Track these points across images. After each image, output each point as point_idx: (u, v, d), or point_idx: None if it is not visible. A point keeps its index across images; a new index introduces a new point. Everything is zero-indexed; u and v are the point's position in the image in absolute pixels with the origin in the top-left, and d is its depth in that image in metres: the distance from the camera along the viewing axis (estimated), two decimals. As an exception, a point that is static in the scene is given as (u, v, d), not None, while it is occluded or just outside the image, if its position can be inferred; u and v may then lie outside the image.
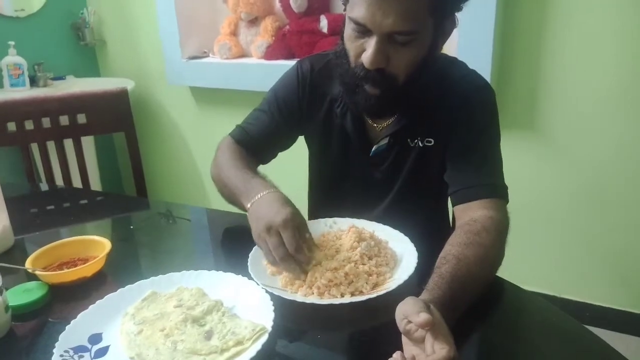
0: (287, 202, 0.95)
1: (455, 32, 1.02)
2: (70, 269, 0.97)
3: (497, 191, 1.00)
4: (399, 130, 1.09)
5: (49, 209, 1.44)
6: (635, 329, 2.06)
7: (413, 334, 0.67)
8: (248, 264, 0.93)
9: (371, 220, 1.07)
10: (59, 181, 1.81)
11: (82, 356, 0.75)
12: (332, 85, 1.14)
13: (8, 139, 1.72)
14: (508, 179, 1.04)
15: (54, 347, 0.74)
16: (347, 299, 0.84)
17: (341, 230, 1.03)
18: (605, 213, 1.98)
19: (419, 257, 0.92)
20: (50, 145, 1.75)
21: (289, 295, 0.86)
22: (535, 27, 1.87)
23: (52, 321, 0.86)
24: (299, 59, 1.22)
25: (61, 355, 0.73)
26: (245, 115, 1.25)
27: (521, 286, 0.91)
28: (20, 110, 1.71)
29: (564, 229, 2.07)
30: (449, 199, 1.07)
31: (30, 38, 2.59)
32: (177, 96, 2.77)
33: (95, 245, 1.03)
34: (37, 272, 0.95)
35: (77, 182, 1.83)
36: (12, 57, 2.43)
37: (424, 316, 0.64)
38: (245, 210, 1.01)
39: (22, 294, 0.90)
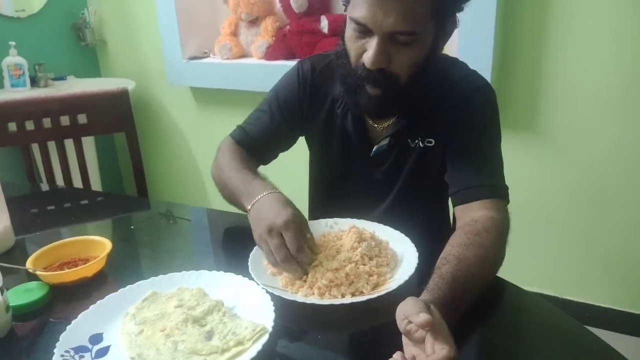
0: (287, 202, 0.95)
1: (455, 32, 1.02)
2: (71, 269, 0.97)
3: (497, 191, 1.00)
4: (400, 130, 1.09)
5: (50, 209, 1.44)
6: (636, 330, 2.05)
7: (413, 334, 0.67)
8: (249, 264, 0.93)
9: (372, 220, 1.07)
10: (60, 181, 1.81)
11: (82, 356, 0.75)
12: (333, 85, 1.14)
13: (9, 139, 1.72)
14: (508, 179, 1.04)
15: (54, 347, 0.74)
16: (348, 300, 0.84)
17: (342, 231, 1.03)
18: (606, 213, 1.98)
19: (419, 258, 0.92)
20: (51, 146, 1.75)
21: (289, 295, 0.86)
22: (535, 27, 1.87)
23: (53, 321, 0.86)
24: (299, 60, 1.22)
25: (62, 355, 0.73)
26: (245, 116, 1.25)
27: (521, 287, 0.91)
28: (21, 111, 1.71)
29: (564, 229, 2.07)
30: (450, 199, 1.07)
31: (31, 38, 2.59)
32: (177, 96, 2.77)
33: (96, 245, 1.04)
34: (37, 272, 0.95)
35: (77, 182, 1.83)
36: (13, 58, 2.43)
37: (424, 316, 0.64)
38: (246, 211, 1.01)
39: (23, 294, 0.90)
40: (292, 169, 1.49)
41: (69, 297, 0.92)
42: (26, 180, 1.77)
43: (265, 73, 2.24)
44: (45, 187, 1.84)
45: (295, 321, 0.84)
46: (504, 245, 0.93)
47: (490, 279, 0.89)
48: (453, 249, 0.86)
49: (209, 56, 2.57)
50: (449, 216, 1.28)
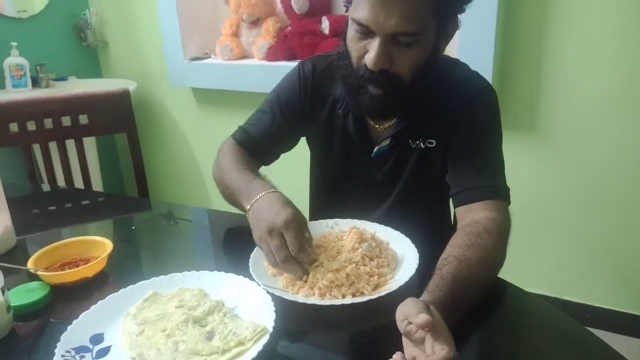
0: (287, 202, 0.95)
1: (457, 33, 1.02)
2: (72, 270, 0.97)
3: (498, 192, 1.00)
4: (401, 131, 1.09)
5: (51, 210, 1.44)
6: (636, 331, 2.05)
7: (413, 335, 0.67)
8: (249, 264, 0.93)
9: (373, 221, 1.07)
10: (61, 182, 1.82)
11: (83, 356, 0.75)
12: (334, 86, 1.14)
13: (10, 139, 1.72)
14: (509, 180, 1.04)
15: (55, 347, 0.74)
16: (348, 300, 0.84)
17: (342, 232, 1.03)
18: (606, 213, 1.98)
19: (420, 258, 0.92)
20: (52, 146, 1.75)
21: (290, 296, 0.86)
22: (535, 28, 1.87)
23: (54, 321, 0.86)
24: (300, 60, 1.22)
25: (63, 356, 0.73)
26: (247, 117, 1.25)
27: (521, 287, 0.91)
28: (23, 111, 1.71)
29: (564, 230, 2.07)
30: (451, 200, 1.08)
31: (32, 39, 2.60)
32: (178, 97, 2.77)
33: (97, 245, 1.04)
34: (39, 273, 0.95)
35: (78, 183, 1.83)
36: (15, 58, 2.44)
37: (423, 317, 0.64)
38: (246, 211, 1.01)
39: (24, 294, 0.90)
40: (293, 169, 1.49)
41: (70, 298, 0.92)
42: (27, 180, 1.78)
43: (267, 74, 2.24)
44: (46, 187, 1.85)
45: (295, 322, 0.84)
46: (505, 247, 0.92)
47: (491, 280, 0.89)
48: (454, 250, 0.86)
49: (210, 57, 2.58)
50: (449, 217, 1.28)
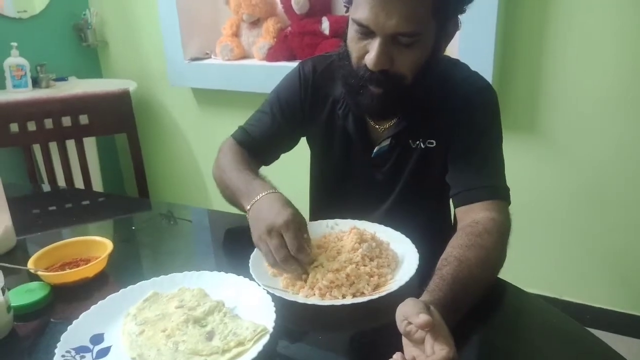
0: (287, 202, 0.95)
1: (457, 34, 1.02)
2: (72, 270, 0.97)
3: (498, 193, 1.00)
4: (401, 131, 1.09)
5: (51, 210, 1.44)
6: (636, 331, 2.05)
7: (413, 335, 0.67)
8: (249, 264, 0.93)
9: (373, 221, 1.08)
10: (61, 182, 1.82)
11: (83, 356, 0.75)
12: (334, 86, 1.14)
13: (10, 139, 1.73)
14: (509, 180, 1.04)
15: (55, 347, 0.74)
16: (349, 300, 0.84)
17: (342, 232, 1.03)
18: (606, 213, 1.98)
19: (420, 259, 0.92)
20: (53, 146, 1.75)
21: (290, 296, 0.86)
22: (536, 28, 1.87)
23: (54, 321, 0.86)
24: (301, 61, 1.22)
25: (63, 356, 0.73)
26: (247, 117, 1.25)
27: (521, 288, 0.91)
28: (23, 111, 1.71)
29: (564, 230, 2.07)
30: (451, 200, 1.08)
31: (32, 39, 2.60)
32: (179, 97, 2.77)
33: (97, 245, 1.04)
34: (39, 273, 0.95)
35: (79, 183, 1.83)
36: (15, 58, 2.44)
37: (423, 317, 0.64)
38: (246, 212, 1.01)
39: (24, 294, 0.90)
40: (293, 169, 1.49)
41: (70, 298, 0.92)
42: (28, 180, 1.78)
43: (267, 74, 2.24)
44: (46, 187, 1.85)
45: (296, 322, 0.84)
46: (505, 247, 0.92)
47: (491, 281, 0.89)
48: (454, 250, 0.86)
49: (210, 57, 2.58)
50: (450, 217, 1.28)
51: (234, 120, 1.29)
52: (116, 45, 2.92)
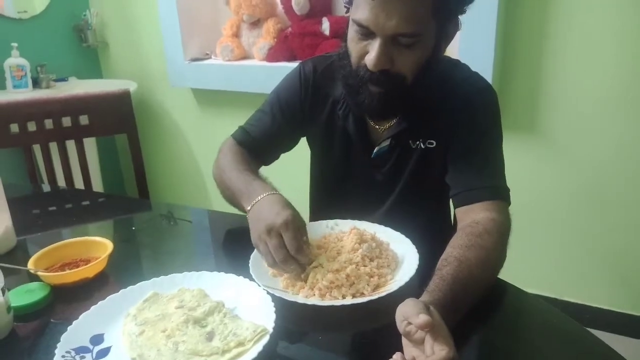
0: (287, 204, 0.95)
1: (457, 34, 1.02)
2: (72, 270, 0.97)
3: (499, 193, 1.00)
4: (401, 132, 1.09)
5: (51, 210, 1.44)
6: (636, 332, 2.05)
7: (413, 335, 0.67)
8: (249, 265, 0.93)
9: (373, 221, 1.08)
10: (61, 182, 1.82)
11: (83, 357, 0.75)
12: (335, 87, 1.14)
13: (11, 140, 1.73)
14: (509, 180, 1.04)
15: (55, 347, 0.74)
16: (348, 301, 0.84)
17: (342, 232, 1.03)
18: (606, 214, 1.98)
19: (420, 259, 0.92)
20: (53, 147, 1.75)
21: (290, 296, 0.86)
22: (536, 28, 1.87)
23: (54, 322, 0.86)
24: (301, 61, 1.22)
25: (63, 356, 0.73)
26: (247, 117, 1.25)
27: (521, 288, 0.91)
28: (23, 112, 1.71)
29: (564, 230, 2.07)
30: (451, 201, 1.08)
31: (33, 40, 2.60)
32: (179, 98, 2.77)
33: (97, 246, 1.04)
34: (39, 273, 0.95)
35: (79, 184, 1.83)
36: (15, 59, 2.44)
37: (423, 317, 0.65)
38: (246, 212, 1.01)
39: (24, 295, 0.90)
40: (293, 170, 1.49)
41: (70, 298, 0.92)
42: (28, 181, 1.78)
43: (267, 75, 2.24)
44: (46, 188, 1.85)
45: (296, 322, 0.84)
46: (505, 247, 0.93)
47: (491, 281, 0.89)
48: (454, 251, 0.86)
49: (210, 58, 2.58)
50: (450, 217, 1.28)
51: (234, 121, 1.29)
52: (116, 46, 2.92)
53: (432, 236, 1.02)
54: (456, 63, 1.13)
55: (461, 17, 0.99)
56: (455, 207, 1.05)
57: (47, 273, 0.96)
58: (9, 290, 0.86)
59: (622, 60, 1.79)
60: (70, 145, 1.76)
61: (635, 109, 1.81)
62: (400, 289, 0.85)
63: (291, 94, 1.19)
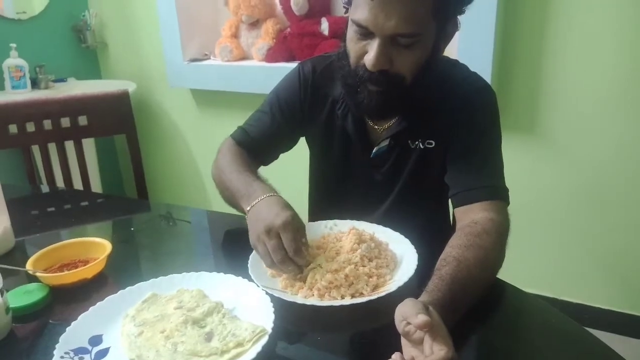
0: (287, 205, 0.95)
1: (456, 34, 1.02)
2: (70, 271, 0.97)
3: (498, 193, 1.00)
4: (400, 132, 1.09)
5: (50, 211, 1.44)
6: (635, 332, 2.05)
7: (412, 336, 0.67)
8: (248, 265, 0.93)
9: (372, 222, 1.08)
10: (60, 183, 1.82)
11: (82, 358, 0.75)
12: (334, 87, 1.14)
13: (9, 140, 1.73)
14: (508, 180, 1.04)
15: (54, 348, 0.74)
16: (347, 301, 0.84)
17: (341, 232, 1.03)
18: (605, 214, 1.98)
19: (419, 259, 0.92)
20: (51, 147, 1.75)
21: (289, 297, 0.86)
22: (536, 28, 1.87)
23: (53, 323, 0.86)
24: (300, 61, 1.22)
25: (62, 357, 0.73)
26: (246, 118, 1.25)
27: (520, 288, 0.91)
28: (22, 112, 1.71)
29: (563, 230, 2.07)
30: (450, 200, 1.08)
31: (31, 40, 2.60)
32: (178, 98, 2.77)
33: (96, 247, 1.04)
34: (37, 274, 0.95)
35: (77, 184, 1.83)
36: (14, 59, 2.44)
37: (422, 318, 0.65)
38: (245, 213, 1.01)
39: (23, 296, 0.90)
40: (293, 170, 1.49)
41: (69, 299, 0.92)
42: (26, 181, 1.78)
43: (266, 75, 2.25)
44: (45, 188, 1.85)
45: (294, 323, 0.84)
46: (504, 247, 0.92)
47: (490, 281, 0.89)
48: (453, 251, 0.86)
49: (209, 58, 2.58)
50: (449, 217, 1.28)
51: (233, 121, 1.29)
52: (115, 47, 2.92)
53: (431, 236, 1.02)
54: (455, 63, 1.13)
55: (460, 17, 0.99)
56: (454, 207, 1.05)
57: (45, 274, 0.95)
58: (7, 291, 0.86)
59: (622, 60, 1.79)
60: (69, 145, 1.76)
61: (635, 109, 1.81)
62: (399, 289, 0.85)
63: (290, 94, 1.19)
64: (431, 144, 1.09)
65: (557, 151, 1.98)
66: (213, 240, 1.25)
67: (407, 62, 0.95)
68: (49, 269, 0.99)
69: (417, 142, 1.10)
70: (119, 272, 1.02)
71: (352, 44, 0.97)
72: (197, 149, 2.86)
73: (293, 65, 1.23)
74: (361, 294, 0.86)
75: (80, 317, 0.82)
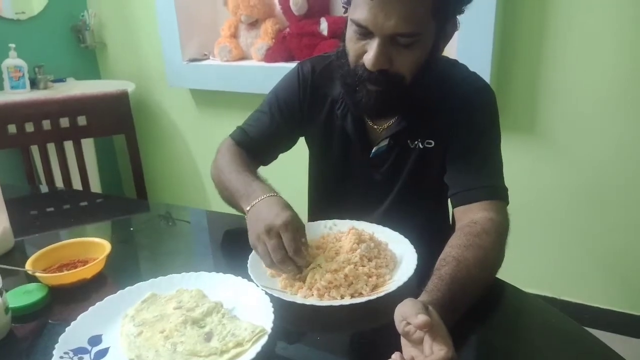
0: (287, 205, 0.95)
1: (455, 34, 1.02)
2: (70, 271, 0.97)
3: (497, 193, 1.00)
4: (399, 131, 1.09)
5: (49, 211, 1.44)
6: (635, 331, 2.05)
7: (411, 336, 0.66)
8: (248, 265, 0.93)
9: (371, 221, 1.07)
10: (59, 183, 1.82)
11: (82, 358, 0.75)
12: (333, 86, 1.14)
13: (8, 141, 1.72)
14: (507, 180, 1.04)
15: (53, 348, 0.74)
16: (347, 301, 0.84)
17: (341, 232, 1.03)
18: (605, 213, 1.98)
19: (418, 259, 0.92)
20: (51, 148, 1.75)
21: (288, 296, 0.86)
22: (535, 28, 1.87)
23: (52, 323, 0.86)
24: (300, 61, 1.22)
25: (61, 357, 0.73)
26: (245, 118, 1.25)
27: (520, 288, 0.91)
28: (21, 113, 1.71)
29: (563, 230, 2.07)
30: (449, 200, 1.07)
31: (30, 40, 2.60)
32: (177, 98, 2.77)
33: (95, 247, 1.04)
34: (37, 274, 0.95)
35: (77, 184, 1.83)
36: (13, 60, 2.44)
37: (422, 317, 0.64)
38: (244, 213, 1.01)
39: (22, 296, 0.90)
40: (292, 170, 1.49)
41: (68, 299, 0.92)
42: (26, 182, 1.78)
43: (265, 75, 2.24)
44: (44, 188, 1.85)
45: (294, 322, 0.84)
46: (503, 247, 0.92)
47: (490, 281, 0.89)
48: (452, 250, 0.86)
49: (208, 58, 2.58)
50: (448, 217, 1.28)
51: (232, 121, 1.29)
52: (114, 47, 2.92)
53: (431, 236, 1.02)
54: (454, 63, 1.13)
55: (459, 17, 0.99)
56: (453, 207, 1.05)
57: (45, 274, 0.95)
58: (6, 291, 0.86)
59: (622, 60, 1.79)
60: (68, 146, 1.76)
61: (635, 109, 1.81)
62: (399, 289, 0.85)
63: (290, 93, 1.19)
64: (430, 143, 1.09)
65: (556, 151, 1.98)
66: (212, 240, 1.24)
67: (406, 62, 0.95)
68: (48, 269, 0.99)
69: (416, 142, 1.10)
70: (118, 272, 1.02)
71: (352, 43, 0.97)
72: (196, 149, 2.86)
73: (292, 65, 1.23)
74: (361, 294, 0.86)
75: (79, 317, 0.82)
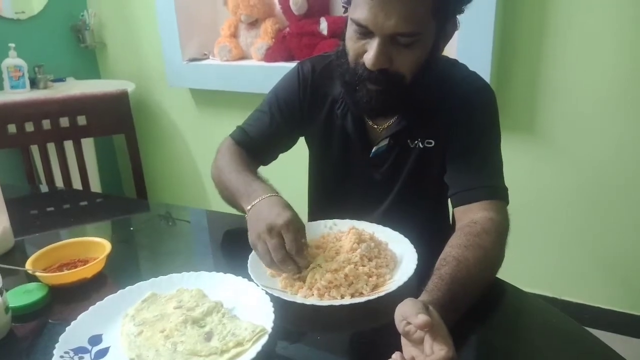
0: (287, 205, 0.95)
1: (455, 34, 1.02)
2: (70, 271, 0.97)
3: (497, 193, 1.00)
4: (399, 131, 1.09)
5: (49, 211, 1.44)
6: (635, 331, 2.05)
7: (412, 335, 0.66)
8: (248, 265, 0.93)
9: (371, 221, 1.07)
10: (59, 183, 1.81)
11: (82, 357, 0.75)
12: (333, 86, 1.14)
13: (8, 140, 1.72)
14: (508, 180, 1.04)
15: (54, 348, 0.74)
16: (347, 301, 0.84)
17: (341, 232, 1.03)
18: (605, 214, 1.98)
19: (419, 259, 0.92)
20: (51, 147, 1.75)
21: (288, 296, 0.86)
22: (535, 28, 1.87)
23: (52, 322, 0.86)
24: (299, 61, 1.22)
25: (61, 357, 0.73)
26: (245, 118, 1.25)
27: (520, 288, 0.91)
28: (21, 112, 1.71)
29: (563, 230, 2.07)
30: (449, 200, 1.07)
31: (30, 40, 2.60)
32: (177, 98, 2.77)
33: (95, 246, 1.04)
34: (37, 274, 0.95)
35: (77, 184, 1.83)
36: (13, 59, 2.43)
37: (422, 317, 0.64)
38: (245, 213, 1.01)
39: (22, 295, 0.90)
40: (292, 170, 1.49)
41: (69, 299, 0.92)
42: (26, 181, 1.77)
43: (265, 75, 2.24)
44: (44, 188, 1.85)
45: (294, 322, 0.84)
46: (504, 247, 0.93)
47: (490, 280, 0.89)
48: (452, 250, 0.86)
49: (208, 58, 2.58)
50: (448, 217, 1.28)
51: (232, 121, 1.29)
52: (114, 46, 2.92)
53: (431, 236, 1.02)
54: (454, 62, 1.13)
55: (459, 17, 0.99)
56: (453, 207, 1.05)
57: (45, 273, 0.95)
58: (7, 290, 0.86)
59: (622, 60, 1.79)
60: (68, 145, 1.76)
61: (635, 109, 1.81)
62: (399, 288, 0.85)
63: (289, 93, 1.19)
64: (430, 143, 1.09)
65: (556, 151, 1.98)
66: (212, 240, 1.24)
67: (406, 62, 0.95)
68: (49, 268, 0.99)
69: (416, 142, 1.10)
70: (119, 272, 1.02)
71: (352, 43, 0.97)
72: (196, 148, 2.86)
73: (292, 64, 1.23)
74: (361, 294, 0.86)
75: (79, 317, 0.82)
